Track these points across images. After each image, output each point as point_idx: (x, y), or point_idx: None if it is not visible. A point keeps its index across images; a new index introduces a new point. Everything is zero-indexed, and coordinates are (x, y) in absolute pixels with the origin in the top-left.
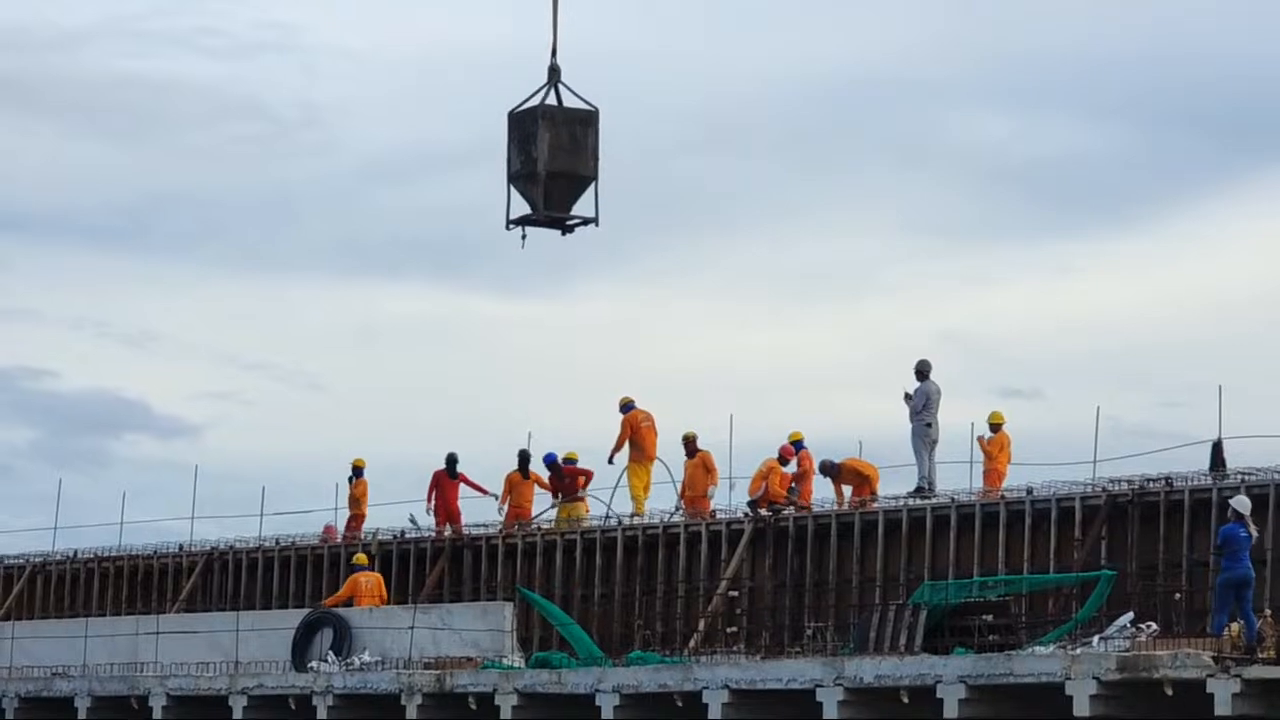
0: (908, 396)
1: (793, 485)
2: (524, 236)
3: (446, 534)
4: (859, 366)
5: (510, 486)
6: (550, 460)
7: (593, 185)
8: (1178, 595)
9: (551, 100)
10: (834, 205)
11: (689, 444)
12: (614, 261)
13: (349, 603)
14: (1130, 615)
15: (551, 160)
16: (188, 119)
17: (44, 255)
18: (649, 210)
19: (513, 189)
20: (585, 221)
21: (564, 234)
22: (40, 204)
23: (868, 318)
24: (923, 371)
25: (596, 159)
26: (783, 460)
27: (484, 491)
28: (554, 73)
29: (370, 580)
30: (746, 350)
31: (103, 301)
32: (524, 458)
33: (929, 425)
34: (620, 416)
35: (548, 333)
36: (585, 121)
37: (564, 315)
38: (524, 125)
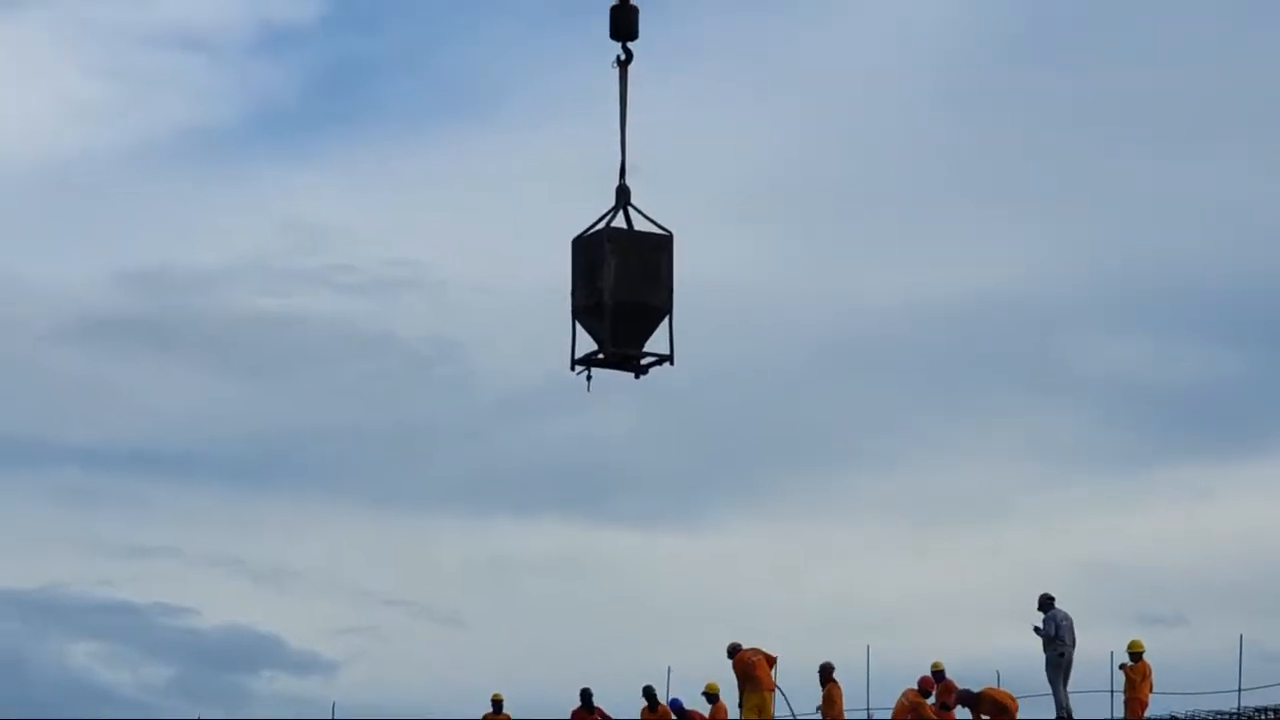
0: (1037, 630)
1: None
2: (589, 378)
3: None
4: (995, 594)
5: None
6: (676, 705)
7: (667, 319)
8: None
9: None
10: (966, 431)
11: (827, 672)
12: (747, 492)
13: None
14: None
15: (619, 289)
16: (322, 355)
17: (181, 493)
18: (782, 440)
19: (578, 327)
20: (660, 360)
21: (637, 376)
22: (178, 442)
23: (1003, 545)
24: (1046, 604)
25: (671, 289)
26: (923, 691)
27: None
28: (622, 194)
29: None
30: (881, 579)
31: (239, 538)
32: (649, 693)
33: (1062, 655)
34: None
35: (683, 565)
36: (658, 247)
37: (699, 547)
38: (589, 253)
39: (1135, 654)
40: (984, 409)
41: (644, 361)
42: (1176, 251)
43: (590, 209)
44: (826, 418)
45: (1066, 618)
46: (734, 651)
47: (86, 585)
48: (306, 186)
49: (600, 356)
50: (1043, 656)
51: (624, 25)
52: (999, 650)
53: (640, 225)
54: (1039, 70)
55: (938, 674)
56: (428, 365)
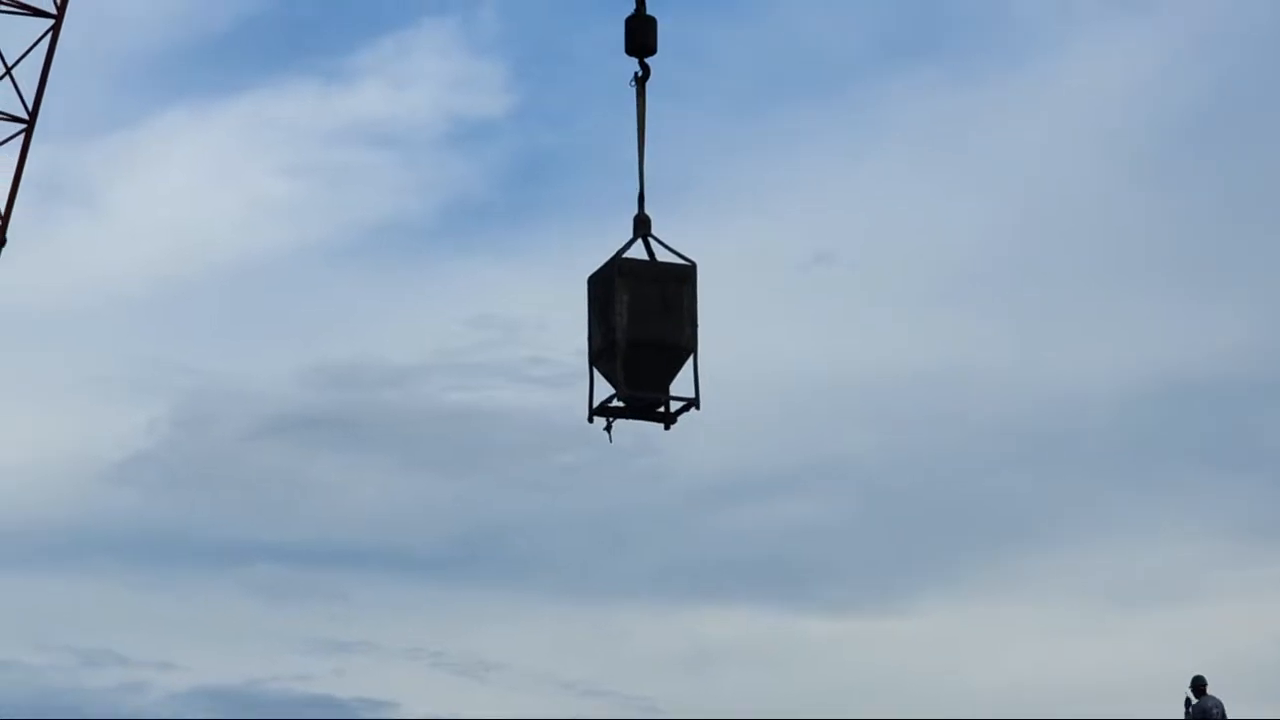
0: (1188, 702)
1: None
2: (609, 428)
3: None
4: (1190, 676)
5: None
6: None
7: (691, 359)
8: None
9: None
10: (1157, 511)
11: None
12: (942, 576)
13: None
14: None
15: (634, 327)
16: (518, 448)
17: (381, 587)
18: (974, 524)
19: (597, 374)
20: (686, 405)
21: (667, 426)
22: (376, 537)
23: (1198, 625)
24: (1199, 687)
25: (695, 325)
26: None
27: None
28: (641, 225)
29: None
30: (1077, 661)
31: (439, 632)
32: None
33: None
34: None
35: (878, 650)
36: (680, 279)
37: (893, 632)
38: (603, 290)
39: None
40: (1177, 487)
41: (674, 409)
42: None
43: (780, 297)
44: (1020, 499)
45: (1218, 705)
46: None
47: (287, 680)
48: (497, 280)
49: (620, 404)
50: None
51: (641, 39)
52: None
53: (664, 259)
54: (1231, 143)
55: None
56: (625, 457)
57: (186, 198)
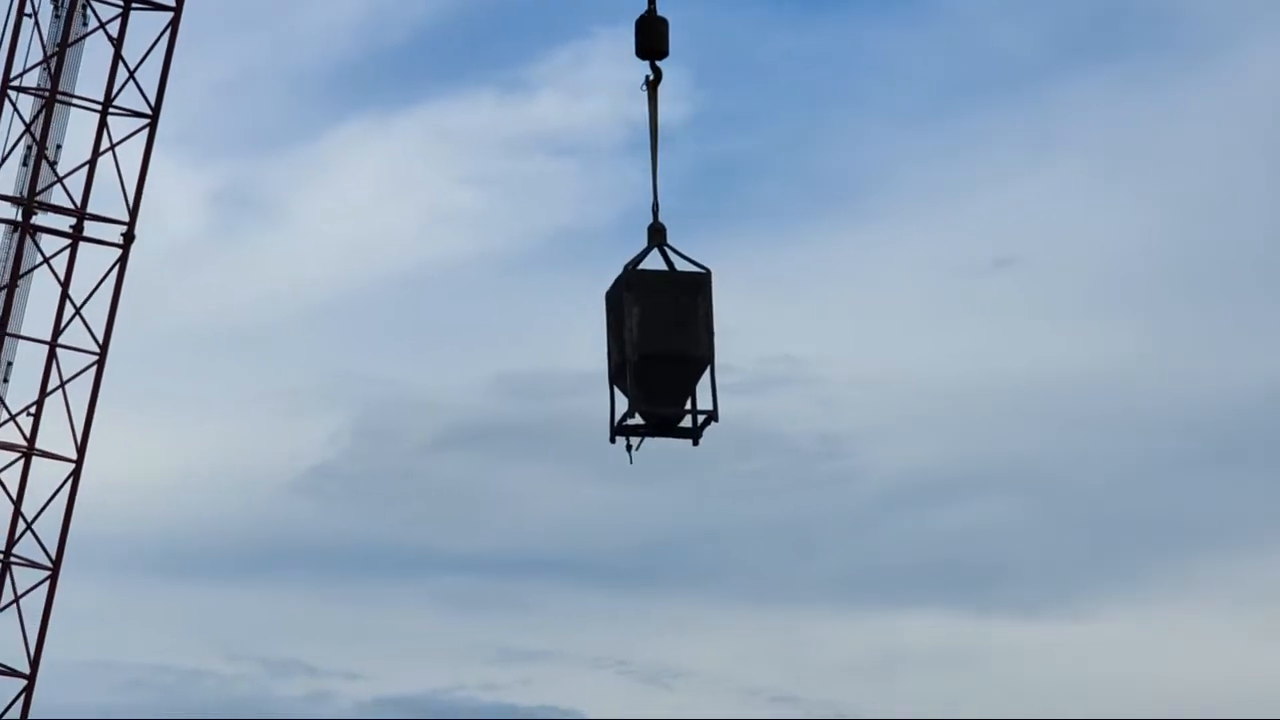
0: None
1: None
2: (630, 448)
3: None
4: None
5: None
6: None
7: (709, 370)
8: None
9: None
10: None
11: None
12: (1127, 580)
13: None
14: None
15: (645, 340)
16: (703, 455)
17: (567, 596)
18: (1159, 527)
19: (617, 392)
20: (707, 419)
21: (695, 441)
22: (562, 546)
23: None
24: None
25: (711, 335)
26: None
27: None
28: (655, 234)
29: None
30: (1263, 665)
31: (624, 640)
32: None
33: None
34: None
35: (1069, 654)
36: (693, 288)
37: (1084, 635)
38: (617, 304)
39: None
40: None
41: (699, 423)
42: None
43: (963, 301)
44: (1205, 501)
45: None
46: None
47: (472, 690)
48: None
49: (634, 423)
50: None
51: (652, 41)
52: None
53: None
54: None
55: None
56: (814, 461)
57: (368, 209)
